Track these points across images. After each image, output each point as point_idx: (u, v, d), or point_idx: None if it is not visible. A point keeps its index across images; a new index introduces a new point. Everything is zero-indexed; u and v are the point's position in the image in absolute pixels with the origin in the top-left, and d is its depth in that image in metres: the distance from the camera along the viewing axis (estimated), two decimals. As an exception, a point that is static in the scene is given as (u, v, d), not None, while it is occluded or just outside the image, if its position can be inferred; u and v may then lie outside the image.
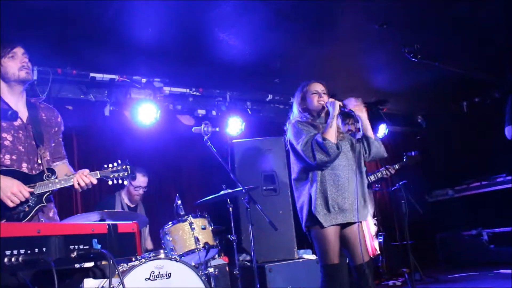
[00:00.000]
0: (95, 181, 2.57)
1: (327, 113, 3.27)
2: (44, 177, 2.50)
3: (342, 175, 3.17)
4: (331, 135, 3.11)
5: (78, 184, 2.52)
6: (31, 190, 2.42)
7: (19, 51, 2.60)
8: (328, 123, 3.16)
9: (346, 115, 3.42)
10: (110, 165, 2.67)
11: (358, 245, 3.14)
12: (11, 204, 2.33)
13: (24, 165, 2.50)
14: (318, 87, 3.39)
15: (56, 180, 2.51)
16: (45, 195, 2.48)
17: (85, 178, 2.53)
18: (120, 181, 2.66)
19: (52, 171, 2.54)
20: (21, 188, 2.36)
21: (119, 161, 2.68)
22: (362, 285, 3.12)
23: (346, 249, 3.23)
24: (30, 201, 2.42)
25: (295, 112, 3.46)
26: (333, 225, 3.10)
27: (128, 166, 2.67)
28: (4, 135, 2.47)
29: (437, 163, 7.60)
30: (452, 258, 7.14)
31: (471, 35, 5.12)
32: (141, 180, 4.58)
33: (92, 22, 4.03)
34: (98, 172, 2.62)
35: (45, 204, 2.48)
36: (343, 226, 3.17)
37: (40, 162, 2.57)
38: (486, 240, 6.77)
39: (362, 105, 3.32)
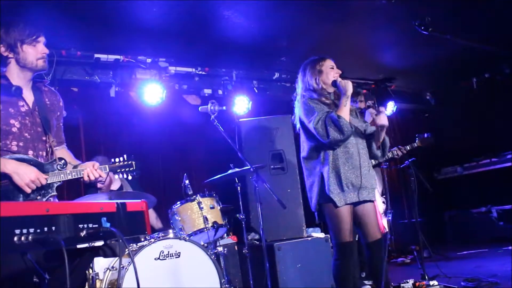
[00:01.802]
0: (104, 175, 2.62)
1: (337, 92, 3.23)
2: (55, 167, 2.52)
3: (354, 152, 3.14)
4: (346, 114, 3.06)
5: (88, 177, 2.55)
6: (47, 176, 2.44)
7: (42, 40, 2.59)
8: (342, 102, 3.09)
9: (356, 93, 3.37)
10: (117, 160, 2.72)
11: (371, 222, 3.14)
12: (28, 191, 2.35)
13: (30, 152, 2.50)
14: (333, 62, 3.34)
15: (68, 172, 2.54)
16: (57, 185, 2.51)
17: (95, 172, 2.56)
18: (125, 176, 2.72)
19: (64, 161, 2.56)
20: (39, 175, 2.39)
21: (125, 156, 2.74)
22: (375, 262, 3.11)
23: (358, 226, 3.21)
24: (43, 189, 2.44)
25: (305, 88, 3.35)
26: (347, 204, 3.07)
27: (133, 162, 2.73)
28: (12, 121, 2.47)
29: (446, 141, 7.53)
30: (461, 235, 7.15)
31: (481, 9, 5.00)
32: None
33: (96, 2, 3.97)
34: (107, 166, 2.67)
35: (56, 193, 2.51)
36: (356, 203, 3.15)
37: (48, 150, 2.59)
38: (495, 217, 6.75)
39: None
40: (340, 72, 3.32)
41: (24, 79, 2.59)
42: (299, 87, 3.41)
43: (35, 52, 2.55)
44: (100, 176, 2.59)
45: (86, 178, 2.55)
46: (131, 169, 2.72)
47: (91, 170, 2.55)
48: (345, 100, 3.09)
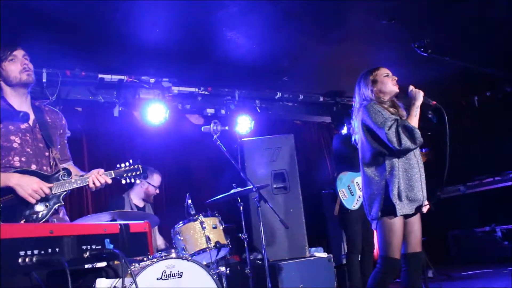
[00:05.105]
0: (109, 181, 2.60)
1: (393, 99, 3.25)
2: (60, 177, 2.52)
3: (414, 164, 3.09)
4: (416, 124, 3.06)
5: (93, 183, 2.54)
6: (51, 185, 2.45)
7: (19, 53, 2.59)
8: (412, 111, 3.09)
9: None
10: (123, 165, 2.69)
11: (415, 230, 3.08)
12: (32, 201, 2.36)
13: (33, 167, 2.52)
14: (387, 70, 3.30)
15: (73, 180, 2.54)
16: (63, 195, 2.51)
17: (100, 178, 2.55)
18: (132, 180, 2.69)
19: (68, 171, 2.57)
20: (41, 184, 2.39)
21: (131, 161, 2.71)
22: (411, 277, 3.05)
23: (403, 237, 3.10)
24: (49, 200, 2.44)
25: (363, 99, 3.27)
26: (404, 214, 2.99)
27: (139, 166, 2.70)
28: (12, 137, 2.49)
29: (448, 159, 7.52)
30: (465, 255, 7.07)
31: (481, 29, 5.07)
32: (159, 179, 4.58)
33: (100, 24, 4.05)
34: (112, 171, 2.65)
35: (63, 203, 2.51)
36: (409, 215, 3.07)
37: (52, 163, 2.59)
38: (500, 237, 6.69)
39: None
40: (396, 78, 3.27)
41: (18, 96, 2.61)
42: (356, 101, 3.35)
43: (16, 66, 2.56)
44: (105, 181, 2.57)
45: (91, 185, 2.54)
46: (138, 173, 2.68)
47: (96, 176, 2.54)
48: (414, 110, 3.09)
